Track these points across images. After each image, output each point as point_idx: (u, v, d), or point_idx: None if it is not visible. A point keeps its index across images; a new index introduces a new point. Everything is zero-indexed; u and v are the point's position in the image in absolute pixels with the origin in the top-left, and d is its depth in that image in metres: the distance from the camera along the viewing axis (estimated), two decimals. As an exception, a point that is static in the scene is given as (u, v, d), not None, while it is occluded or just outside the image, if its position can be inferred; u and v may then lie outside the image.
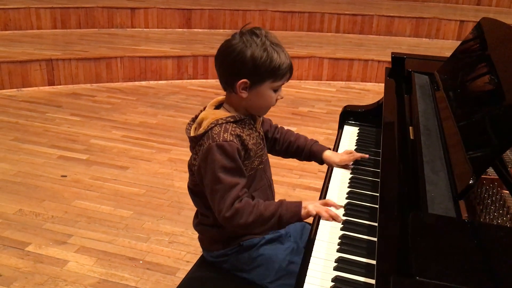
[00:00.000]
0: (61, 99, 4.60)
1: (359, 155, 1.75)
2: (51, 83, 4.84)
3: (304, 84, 5.44)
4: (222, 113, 1.48)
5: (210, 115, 1.47)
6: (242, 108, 1.49)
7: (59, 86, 4.87)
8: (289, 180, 3.34)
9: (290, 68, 1.45)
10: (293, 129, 4.26)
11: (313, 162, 1.81)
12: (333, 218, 1.43)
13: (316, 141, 1.79)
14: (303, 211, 1.44)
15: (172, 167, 3.44)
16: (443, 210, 1.03)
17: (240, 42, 1.40)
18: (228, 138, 1.40)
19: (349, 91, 5.38)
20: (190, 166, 1.55)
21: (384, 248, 1.00)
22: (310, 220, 1.51)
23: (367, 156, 1.76)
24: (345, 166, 1.74)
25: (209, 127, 1.43)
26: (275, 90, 1.46)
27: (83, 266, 2.43)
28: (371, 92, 5.36)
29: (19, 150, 3.58)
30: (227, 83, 1.45)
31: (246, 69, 1.39)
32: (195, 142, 1.49)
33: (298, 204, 1.44)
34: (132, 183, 3.22)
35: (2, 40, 5.29)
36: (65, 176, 3.25)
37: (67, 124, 4.06)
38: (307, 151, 1.76)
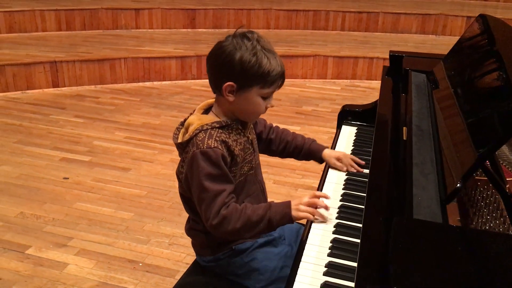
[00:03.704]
0: (65, 101, 4.62)
1: (357, 160, 1.73)
2: (55, 85, 4.86)
3: (308, 83, 5.40)
4: (209, 118, 1.45)
5: (196, 121, 1.44)
6: (230, 112, 1.45)
7: (63, 88, 4.88)
8: (291, 180, 3.31)
9: (281, 76, 1.40)
10: (297, 128, 4.29)
11: (315, 162, 1.79)
12: (324, 208, 1.42)
13: (314, 140, 1.77)
14: (293, 213, 1.39)
15: (174, 168, 3.37)
16: (430, 215, 0.99)
17: (230, 44, 1.37)
18: (213, 144, 1.37)
19: (354, 89, 5.34)
20: (178, 174, 1.53)
21: (366, 254, 0.98)
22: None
23: (362, 163, 1.73)
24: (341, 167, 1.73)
25: (194, 133, 1.40)
26: (265, 98, 1.41)
27: (82, 269, 2.42)
28: (376, 90, 5.27)
29: (22, 152, 3.59)
30: (215, 85, 1.43)
31: (233, 72, 1.36)
32: (182, 149, 1.47)
33: (287, 205, 1.40)
34: (134, 184, 3.22)
35: (7, 42, 5.32)
36: (67, 178, 3.26)
37: (71, 126, 4.07)
38: (306, 150, 1.74)
